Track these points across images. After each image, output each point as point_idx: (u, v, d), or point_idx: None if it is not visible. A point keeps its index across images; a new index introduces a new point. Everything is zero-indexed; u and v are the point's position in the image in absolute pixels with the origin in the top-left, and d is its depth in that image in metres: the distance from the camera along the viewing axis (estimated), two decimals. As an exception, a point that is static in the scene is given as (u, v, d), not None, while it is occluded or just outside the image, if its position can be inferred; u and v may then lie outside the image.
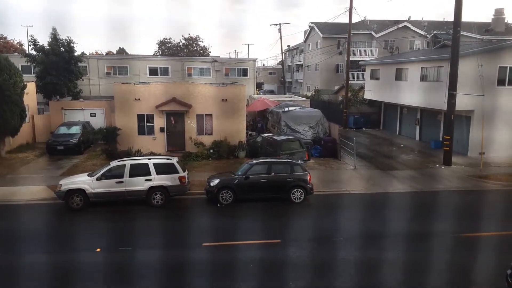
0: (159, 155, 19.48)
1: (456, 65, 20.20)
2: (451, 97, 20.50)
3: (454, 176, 19.21)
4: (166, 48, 68.73)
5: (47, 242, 11.99)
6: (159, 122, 22.69)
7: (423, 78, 26.33)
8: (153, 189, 15.00)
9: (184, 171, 15.57)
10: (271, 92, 56.56)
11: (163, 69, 41.95)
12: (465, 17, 22.63)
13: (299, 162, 16.71)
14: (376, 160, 22.75)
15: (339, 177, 19.19)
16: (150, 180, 15.02)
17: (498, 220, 13.28)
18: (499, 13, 43.42)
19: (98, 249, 11.22)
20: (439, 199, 16.26)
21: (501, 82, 22.23)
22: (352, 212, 14.80)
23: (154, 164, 15.24)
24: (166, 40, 68.98)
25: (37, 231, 12.83)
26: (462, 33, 23.25)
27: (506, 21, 45.27)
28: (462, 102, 20.98)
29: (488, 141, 20.64)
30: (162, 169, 15.25)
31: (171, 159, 15.78)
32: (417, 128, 29.05)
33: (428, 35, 46.27)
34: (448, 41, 26.26)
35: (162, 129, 22.76)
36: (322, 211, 15.09)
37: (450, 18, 20.37)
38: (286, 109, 25.31)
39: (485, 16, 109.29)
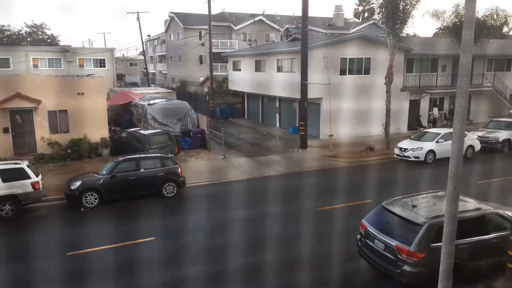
0: (4, 160, 16.92)
1: (306, 57, 22.35)
2: (303, 86, 22.66)
3: (310, 157, 21.40)
4: (5, 37, 59.40)
5: None
6: (2, 121, 19.63)
7: (279, 69, 28.45)
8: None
9: (37, 176, 13.86)
10: (134, 84, 53.88)
11: (2, 61, 36.27)
12: (312, 13, 25.10)
13: (169, 155, 16.46)
14: (243, 148, 23.86)
15: (210, 167, 19.55)
16: (-6, 189, 12.99)
17: (348, 193, 15.31)
18: (338, 9, 49.08)
19: None
20: (299, 179, 17.92)
21: (342, 72, 25.45)
22: (224, 200, 15.31)
23: (-3, 170, 13.21)
24: (4, 28, 59.50)
25: None
26: (310, 27, 25.80)
27: (344, 16, 51.57)
28: (313, 90, 23.37)
29: (335, 124, 23.50)
30: (9, 175, 13.30)
31: (20, 164, 13.87)
32: (277, 115, 31.35)
33: (281, 29, 49.88)
34: (298, 34, 28.76)
35: (6, 130, 19.73)
36: (195, 202, 15.20)
37: (299, 13, 22.31)
38: (152, 101, 24.54)
39: (328, 12, 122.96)
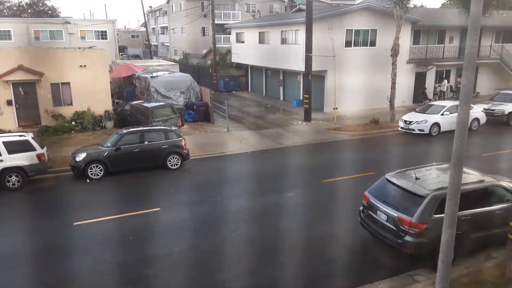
0: (9, 132, 17.01)
1: (310, 28, 21.92)
2: (308, 59, 22.34)
3: (314, 130, 21.35)
4: (6, 9, 58.48)
5: None
6: (5, 94, 19.59)
7: (283, 41, 27.99)
8: (6, 171, 13.15)
9: (42, 148, 13.95)
10: (136, 57, 53.41)
11: (4, 33, 35.85)
12: (317, -17, 24.58)
13: (173, 128, 16.46)
14: (247, 121, 23.81)
15: (213, 140, 19.59)
16: (1, 161, 13.10)
17: (351, 166, 15.34)
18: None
19: None
20: (303, 152, 17.96)
21: (348, 44, 25.01)
22: (228, 173, 15.40)
23: (4, 142, 13.28)
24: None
25: None
26: (315, -2, 25.17)
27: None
28: (317, 63, 23.06)
29: (340, 97, 23.29)
30: (15, 147, 13.39)
31: (24, 136, 13.93)
32: (281, 88, 31.09)
33: (285, 0, 48.77)
34: (303, 5, 28.15)
35: (9, 102, 19.73)
36: (199, 175, 15.31)
37: (305, -17, 21.78)
38: (155, 74, 24.33)
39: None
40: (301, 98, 26.36)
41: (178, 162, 15.43)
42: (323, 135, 20.39)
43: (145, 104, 20.02)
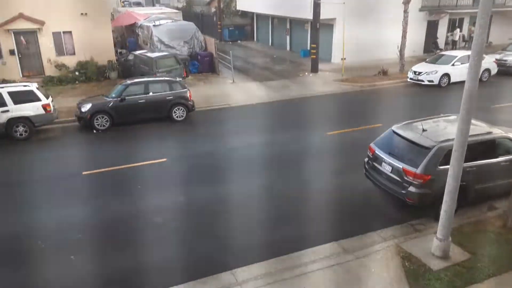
0: (14, 82, 16.91)
1: (320, -27, 20.86)
2: (316, 6, 21.48)
3: (321, 82, 21.00)
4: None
5: None
6: (7, 43, 19.29)
7: (291, -13, 26.78)
8: (12, 121, 13.23)
9: (47, 98, 13.92)
10: (138, 4, 51.63)
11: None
12: None
13: (177, 79, 16.25)
14: (252, 72, 23.42)
15: (219, 91, 19.38)
16: (7, 111, 13.15)
17: (358, 117, 15.24)
18: None
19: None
20: (309, 104, 17.81)
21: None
22: (233, 125, 15.36)
23: (9, 93, 13.24)
24: None
25: None
26: None
27: None
28: (326, 10, 22.18)
29: (348, 47, 22.63)
30: (20, 97, 13.37)
31: (29, 86, 13.84)
32: (288, 38, 30.23)
33: None
34: None
35: (12, 52, 19.46)
36: (204, 126, 15.31)
37: None
38: (157, 23, 23.64)
39: None
40: (308, 48, 25.65)
41: (184, 114, 15.39)
42: (330, 87, 20.07)
43: (149, 54, 19.64)
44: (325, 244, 7.71)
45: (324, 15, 22.06)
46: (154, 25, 23.22)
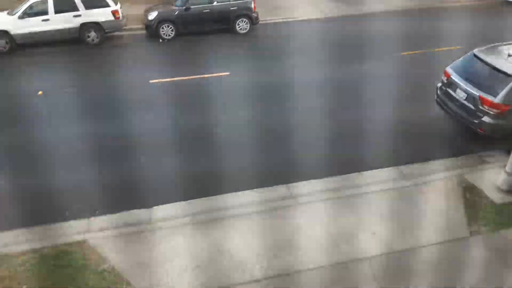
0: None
1: None
2: None
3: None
4: None
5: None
6: None
7: None
8: (85, 26, 13.73)
9: (116, 4, 14.12)
10: None
11: None
12: None
13: (243, -12, 15.53)
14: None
15: (285, 3, 18.36)
16: (79, 16, 13.61)
17: (438, 37, 13.76)
18: None
19: (40, 92, 10.75)
20: (385, 20, 16.24)
21: None
22: (299, 40, 14.69)
23: (80, -3, 13.58)
24: None
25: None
26: None
27: None
28: None
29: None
30: (91, 3, 13.71)
31: (98, -9, 14.03)
32: None
33: None
34: None
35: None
36: (268, 41, 14.86)
37: None
38: None
39: None
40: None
41: (247, 26, 14.99)
42: (411, 0, 18.13)
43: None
44: (383, 168, 7.63)
45: None
46: None
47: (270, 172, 7.61)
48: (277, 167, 7.76)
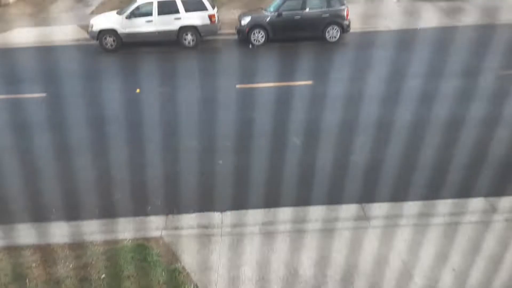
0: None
1: None
2: None
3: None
4: None
5: (87, 82, 12.47)
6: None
7: None
8: (183, 29, 14.61)
9: (213, 8, 14.79)
10: None
11: None
12: None
13: (337, -6, 15.30)
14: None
15: (380, 11, 17.72)
16: (179, 18, 14.51)
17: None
18: None
19: (138, 90, 11.74)
20: (488, 35, 14.96)
21: None
22: (391, 52, 13.98)
23: (182, 1, 14.47)
24: None
25: (76, 71, 13.23)
26: None
27: None
28: None
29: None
30: (190, 6, 14.51)
31: (199, -7, 14.78)
32: None
33: None
34: None
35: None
36: (358, 51, 14.41)
37: None
38: None
39: None
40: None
41: (337, 35, 14.72)
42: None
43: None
44: (472, 198, 7.01)
45: None
46: None
47: (341, 188, 7.44)
48: (349, 184, 7.55)
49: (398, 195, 7.17)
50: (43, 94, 11.67)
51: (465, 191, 7.20)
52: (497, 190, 7.16)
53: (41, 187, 7.67)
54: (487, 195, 7.07)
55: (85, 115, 10.46)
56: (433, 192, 7.24)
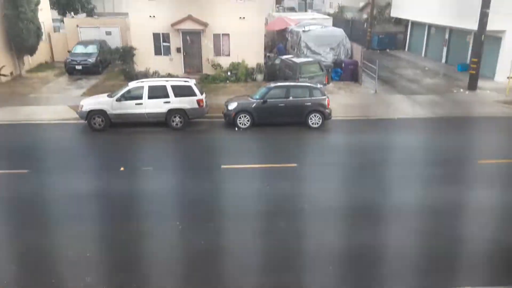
0: (177, 77, 19.31)
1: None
2: (483, 16, 19.10)
3: (478, 101, 18.65)
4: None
5: (72, 160, 12.52)
6: (176, 42, 22.13)
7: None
8: (172, 111, 15.13)
9: (202, 94, 15.52)
10: (291, 9, 53.60)
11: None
12: None
13: (318, 86, 16.37)
14: (398, 84, 22.15)
15: (359, 102, 18.86)
16: (168, 102, 15.10)
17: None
18: None
19: (122, 168, 11.74)
20: (460, 125, 15.99)
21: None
22: (370, 139, 14.70)
23: (172, 86, 15.20)
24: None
25: (62, 150, 13.35)
26: None
27: None
28: (495, 21, 19.52)
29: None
30: (180, 91, 15.21)
31: (188, 82, 15.66)
32: (444, 49, 27.63)
33: None
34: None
35: (178, 50, 22.28)
36: (339, 137, 15.10)
37: None
38: (307, 28, 24.15)
39: None
40: (468, 62, 23.04)
41: (319, 121, 15.44)
42: (489, 108, 17.68)
43: (294, 59, 20.22)
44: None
45: (491, 26, 19.48)
46: (303, 31, 23.78)
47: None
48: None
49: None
50: (25, 171, 11.56)
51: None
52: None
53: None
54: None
55: (65, 192, 10.33)
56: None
